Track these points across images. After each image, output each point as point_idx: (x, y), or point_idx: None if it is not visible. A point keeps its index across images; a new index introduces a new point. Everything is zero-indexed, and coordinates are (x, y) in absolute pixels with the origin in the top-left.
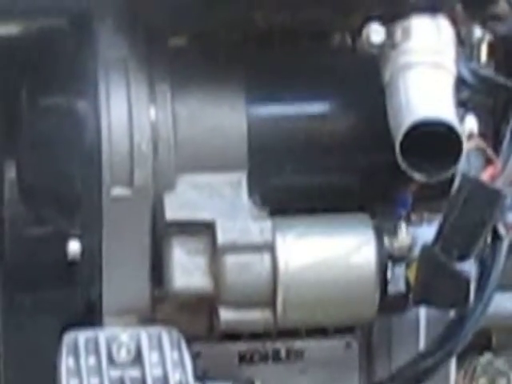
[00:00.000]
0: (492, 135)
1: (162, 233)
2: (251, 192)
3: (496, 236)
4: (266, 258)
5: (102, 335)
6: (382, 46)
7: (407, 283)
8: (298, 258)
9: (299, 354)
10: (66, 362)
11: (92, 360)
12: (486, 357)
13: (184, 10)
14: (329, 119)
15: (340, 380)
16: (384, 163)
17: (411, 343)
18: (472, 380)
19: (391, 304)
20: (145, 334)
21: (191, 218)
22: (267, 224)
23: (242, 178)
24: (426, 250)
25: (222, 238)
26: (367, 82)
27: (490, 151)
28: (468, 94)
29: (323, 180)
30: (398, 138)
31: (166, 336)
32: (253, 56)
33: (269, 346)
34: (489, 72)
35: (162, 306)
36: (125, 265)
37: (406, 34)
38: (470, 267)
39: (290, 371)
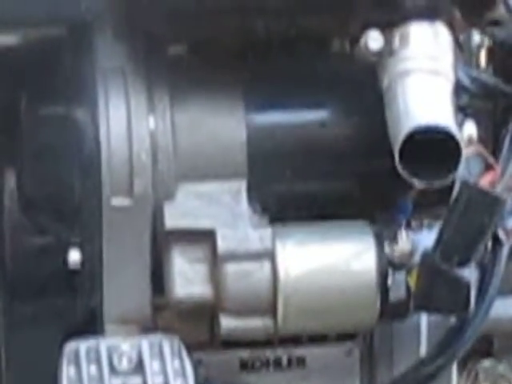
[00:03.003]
0: (491, 141)
1: (162, 241)
2: (251, 200)
3: (496, 242)
4: (266, 265)
5: (103, 344)
6: (380, 53)
7: (408, 290)
8: (298, 265)
9: (300, 362)
10: (67, 372)
11: (93, 369)
12: (488, 362)
13: (183, 19)
14: (328, 126)
15: None
16: (383, 170)
17: (412, 349)
18: None
19: (392, 310)
20: (146, 343)
21: (191, 227)
22: (267, 232)
23: (241, 186)
24: (426, 256)
25: (222, 246)
26: (366, 89)
27: (489, 157)
28: (467, 99)
29: (323, 187)
30: (397, 144)
31: (167, 344)
32: (252, 64)
33: (270, 353)
34: (488, 77)
35: (163, 314)
36: (125, 273)
37: (404, 40)
38: (470, 273)
39: (292, 378)
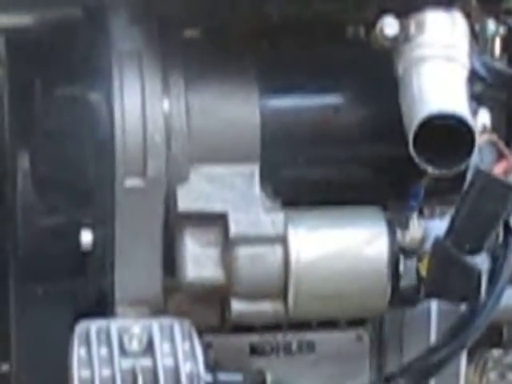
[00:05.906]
0: (505, 129)
1: (174, 224)
2: (263, 184)
3: (508, 230)
4: (278, 249)
5: (114, 325)
6: (395, 39)
7: (419, 276)
8: (309, 250)
9: (310, 347)
10: (77, 352)
11: (104, 350)
12: (497, 351)
13: (198, 2)
14: (341, 112)
15: (351, 373)
16: (397, 156)
17: (422, 336)
18: (482, 374)
19: (403, 297)
20: (156, 325)
21: (204, 210)
22: (279, 216)
23: (254, 169)
24: (437, 243)
25: (234, 229)
26: (380, 75)
27: (502, 145)
28: (481, 87)
29: (336, 172)
30: (412, 131)
31: (178, 327)
32: (266, 48)
33: (280, 338)
34: (502, 66)
35: (174, 296)
36: (137, 255)
37: (420, 27)
38: (481, 261)
39: (301, 363)
